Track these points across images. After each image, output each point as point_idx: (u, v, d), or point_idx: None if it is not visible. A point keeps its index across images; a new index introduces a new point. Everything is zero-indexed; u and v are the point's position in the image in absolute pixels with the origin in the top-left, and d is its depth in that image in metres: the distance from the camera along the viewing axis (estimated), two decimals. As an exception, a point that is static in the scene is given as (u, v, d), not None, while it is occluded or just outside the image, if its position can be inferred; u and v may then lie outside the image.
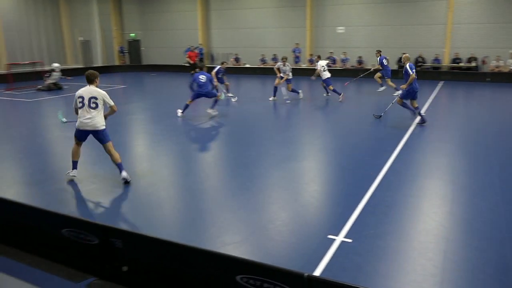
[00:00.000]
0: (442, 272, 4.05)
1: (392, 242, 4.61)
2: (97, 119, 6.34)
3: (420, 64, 21.77)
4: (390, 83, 16.37)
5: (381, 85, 17.07)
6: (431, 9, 21.41)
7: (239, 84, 21.44)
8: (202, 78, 11.66)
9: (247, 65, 25.76)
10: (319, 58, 16.66)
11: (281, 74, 14.52)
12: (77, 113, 6.42)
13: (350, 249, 4.43)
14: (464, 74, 20.73)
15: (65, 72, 19.45)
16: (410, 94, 10.46)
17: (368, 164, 7.43)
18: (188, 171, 7.36)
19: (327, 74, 15.06)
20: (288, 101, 14.14)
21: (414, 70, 10.27)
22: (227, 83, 13.69)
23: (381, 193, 6.02)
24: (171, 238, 3.73)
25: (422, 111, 11.22)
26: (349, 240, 4.61)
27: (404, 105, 10.61)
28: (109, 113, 6.69)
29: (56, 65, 18.44)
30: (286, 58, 14.65)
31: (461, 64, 21.04)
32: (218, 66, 14.68)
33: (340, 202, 5.82)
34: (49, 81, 18.00)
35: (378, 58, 16.52)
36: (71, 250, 4.18)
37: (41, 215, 4.43)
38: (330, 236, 4.69)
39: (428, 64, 21.84)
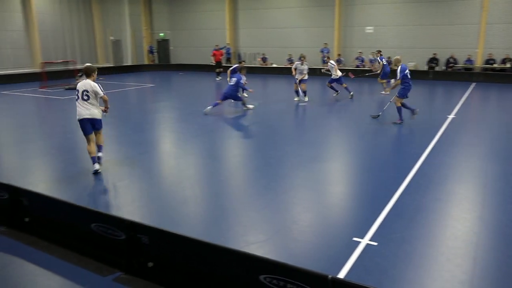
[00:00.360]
0: (471, 279, 3.94)
1: (419, 247, 4.52)
2: (93, 110, 6.91)
3: (451, 65, 21.24)
4: (381, 81, 16.77)
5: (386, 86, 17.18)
6: (463, 9, 20.84)
7: (265, 84, 21.45)
8: (231, 80, 11.86)
9: (274, 65, 25.75)
10: (329, 58, 17.19)
11: (297, 75, 14.09)
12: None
13: (376, 253, 4.37)
14: (498, 75, 20.10)
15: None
16: (406, 93, 10.50)
17: (395, 166, 7.31)
18: (213, 170, 7.42)
19: (338, 73, 15.28)
20: (303, 103, 13.76)
21: (407, 71, 10.39)
22: (251, 90, 13.06)
23: (408, 196, 5.90)
24: (195, 236, 3.76)
25: (452, 114, 10.96)
26: (375, 243, 4.54)
27: (403, 105, 10.61)
28: (105, 104, 7.12)
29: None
30: (304, 57, 14.32)
31: (494, 65, 20.40)
32: (235, 65, 14.81)
33: (366, 204, 5.74)
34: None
35: (378, 58, 16.94)
36: (99, 245, 4.29)
37: (71, 209, 4.56)
38: (355, 239, 4.64)
39: (460, 65, 21.28)
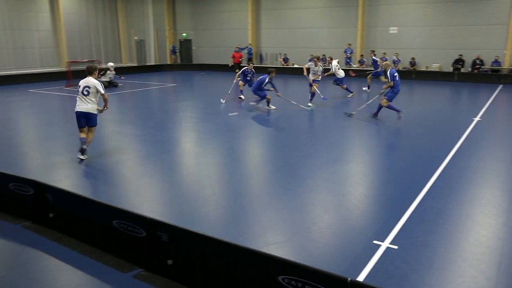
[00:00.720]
0: (495, 285, 3.84)
1: (441, 252, 4.43)
2: (89, 105, 7.46)
3: (478, 66, 20.75)
4: (369, 80, 17.25)
5: (369, 87, 17.48)
6: (491, 9, 20.31)
7: (286, 84, 21.39)
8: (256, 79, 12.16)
9: (296, 65, 25.67)
10: (331, 59, 17.22)
11: (310, 76, 13.80)
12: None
13: (396, 256, 4.30)
14: (527, 77, 19.53)
15: (118, 71, 20.27)
16: (394, 96, 10.93)
17: (418, 168, 7.18)
18: (233, 170, 7.44)
19: (341, 74, 15.49)
20: (308, 107, 13.15)
21: (396, 75, 10.84)
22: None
23: (430, 199, 5.80)
24: (214, 235, 3.78)
25: (478, 117, 10.71)
26: (395, 247, 4.47)
27: (389, 106, 10.91)
28: (105, 102, 7.62)
29: (111, 64, 19.26)
30: (318, 58, 14.10)
31: (523, 67, 19.84)
32: (245, 67, 14.86)
33: (387, 207, 5.66)
34: (103, 79, 18.85)
35: (371, 58, 17.63)
36: (120, 241, 4.36)
37: (94, 206, 4.65)
38: (375, 242, 4.58)
39: (487, 66, 20.76)
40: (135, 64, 28.34)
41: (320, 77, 14.03)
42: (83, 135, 7.55)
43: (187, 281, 3.89)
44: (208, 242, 3.76)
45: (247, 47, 26.74)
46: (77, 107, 7.50)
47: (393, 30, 22.93)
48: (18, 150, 8.82)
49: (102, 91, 7.43)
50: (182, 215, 5.44)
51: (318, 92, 14.03)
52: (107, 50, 28.27)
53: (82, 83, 7.47)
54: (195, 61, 30.04)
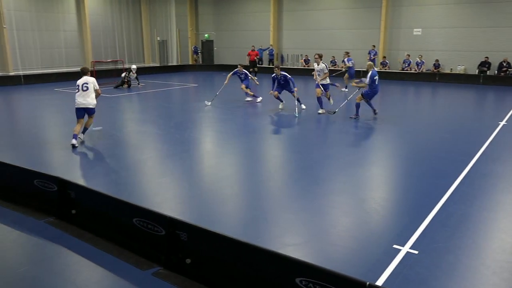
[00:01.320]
0: (519, 295, 3.74)
1: (463, 258, 4.34)
2: (88, 100, 8.72)
3: (505, 69, 20.22)
4: (348, 81, 17.40)
5: (346, 87, 17.66)
6: (520, 10, 19.79)
7: (306, 85, 21.31)
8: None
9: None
10: (320, 58, 17.16)
11: (318, 78, 12.83)
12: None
13: (416, 262, 4.23)
14: (557, 81, 18.95)
15: (139, 73, 20.54)
16: (372, 95, 11.58)
17: (441, 172, 7.05)
18: (252, 170, 7.45)
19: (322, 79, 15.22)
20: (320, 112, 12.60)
21: (376, 78, 11.30)
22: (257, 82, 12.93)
23: (453, 204, 5.68)
24: (233, 235, 3.80)
25: (504, 121, 10.43)
26: (415, 252, 4.40)
27: (368, 103, 11.69)
28: (96, 95, 8.87)
29: (133, 67, 19.55)
30: (320, 56, 13.01)
31: (553, 70, 19.26)
32: (236, 69, 15.17)
33: (408, 211, 5.58)
34: (125, 80, 19.19)
35: (346, 59, 18.04)
36: (140, 239, 4.42)
37: (115, 203, 4.72)
38: (395, 246, 4.52)
39: (515, 69, 20.23)
40: (157, 64, 28.69)
41: (328, 79, 13.06)
42: (77, 129, 8.77)
43: (205, 280, 3.91)
44: (227, 242, 3.77)
45: (268, 48, 26.75)
46: (76, 104, 8.73)
47: (417, 31, 22.57)
48: (43, 147, 9.04)
49: (97, 87, 8.83)
50: (201, 215, 5.48)
51: (329, 99, 13.45)
52: (130, 51, 28.70)
53: (80, 81, 8.69)
54: (216, 61, 30.21)
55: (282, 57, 27.47)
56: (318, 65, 12.99)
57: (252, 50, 24.28)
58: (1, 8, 21.33)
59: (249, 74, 15.17)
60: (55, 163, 7.94)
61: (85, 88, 8.68)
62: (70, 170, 7.36)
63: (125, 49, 28.31)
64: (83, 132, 9.14)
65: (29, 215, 5.38)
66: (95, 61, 22.58)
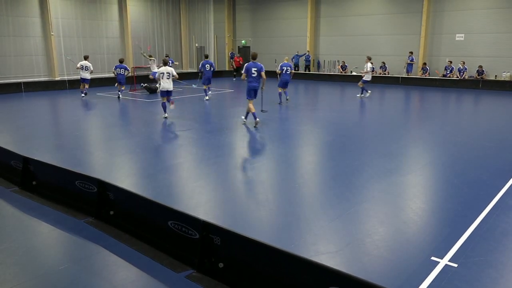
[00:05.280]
0: None
1: (506, 273, 4.13)
2: (169, 84, 12.35)
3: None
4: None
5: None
6: None
7: (343, 92, 21.07)
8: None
9: (354, 73, 25.22)
10: (369, 59, 17.80)
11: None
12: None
13: (455, 275, 4.07)
14: None
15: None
16: (280, 84, 14.49)
17: (483, 183, 6.78)
18: (286, 176, 7.42)
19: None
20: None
21: (284, 68, 14.33)
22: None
23: (496, 217, 5.44)
24: (266, 241, 3.79)
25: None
26: (455, 265, 4.24)
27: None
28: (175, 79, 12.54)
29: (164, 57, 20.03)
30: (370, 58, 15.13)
31: None
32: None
33: (448, 222, 5.38)
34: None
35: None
36: (174, 242, 4.48)
37: (151, 206, 4.82)
38: (433, 258, 4.37)
39: None
40: (195, 70, 29.19)
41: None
42: (164, 100, 12.59)
43: (237, 285, 3.92)
44: (259, 247, 3.77)
45: (304, 54, 26.69)
46: (162, 87, 12.35)
47: (459, 37, 21.87)
48: (85, 149, 9.38)
49: (175, 73, 12.33)
50: (234, 219, 5.51)
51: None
52: (169, 57, 29.35)
53: (163, 70, 12.24)
54: (253, 67, 30.37)
55: (318, 63, 27.30)
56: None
57: (237, 57, 27.90)
58: (50, 17, 22.40)
59: None
60: (95, 164, 8.21)
61: (167, 76, 12.17)
62: (109, 172, 7.59)
63: (164, 55, 28.97)
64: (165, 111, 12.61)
65: (70, 215, 5.58)
66: (136, 67, 23.22)
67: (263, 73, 11.17)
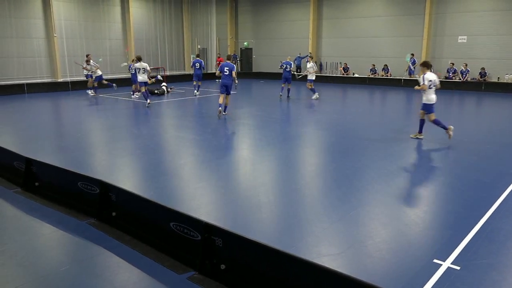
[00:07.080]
0: None
1: (509, 276, 4.12)
2: (144, 77, 14.96)
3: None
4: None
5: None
6: None
7: (345, 94, 21.07)
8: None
9: (356, 75, 25.22)
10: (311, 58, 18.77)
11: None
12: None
13: (458, 278, 4.06)
14: None
15: (179, 79, 21.14)
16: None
17: (486, 185, 6.76)
18: (288, 178, 7.42)
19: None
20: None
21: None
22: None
23: (499, 219, 5.42)
24: (268, 242, 3.78)
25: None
26: (457, 268, 4.22)
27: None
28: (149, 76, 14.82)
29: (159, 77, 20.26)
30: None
31: None
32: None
33: (450, 224, 5.36)
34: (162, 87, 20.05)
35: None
36: (176, 243, 4.48)
37: (153, 207, 4.82)
38: (435, 261, 4.35)
39: None
40: (197, 72, 29.28)
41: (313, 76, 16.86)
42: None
43: (239, 286, 3.91)
44: (261, 249, 3.76)
45: (307, 55, 26.69)
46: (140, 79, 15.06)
47: (462, 39, 21.85)
48: (87, 150, 9.39)
49: (148, 69, 15.00)
50: (236, 221, 5.50)
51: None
52: (171, 58, 29.44)
53: (138, 65, 15.00)
54: (255, 69, 30.43)
55: (321, 64, 27.32)
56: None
57: (220, 57, 27.02)
58: (53, 19, 22.48)
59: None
60: (97, 166, 8.22)
61: (143, 71, 15.11)
62: (111, 173, 7.60)
63: (167, 56, 29.05)
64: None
65: (72, 216, 5.58)
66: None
67: (234, 72, 12.93)
